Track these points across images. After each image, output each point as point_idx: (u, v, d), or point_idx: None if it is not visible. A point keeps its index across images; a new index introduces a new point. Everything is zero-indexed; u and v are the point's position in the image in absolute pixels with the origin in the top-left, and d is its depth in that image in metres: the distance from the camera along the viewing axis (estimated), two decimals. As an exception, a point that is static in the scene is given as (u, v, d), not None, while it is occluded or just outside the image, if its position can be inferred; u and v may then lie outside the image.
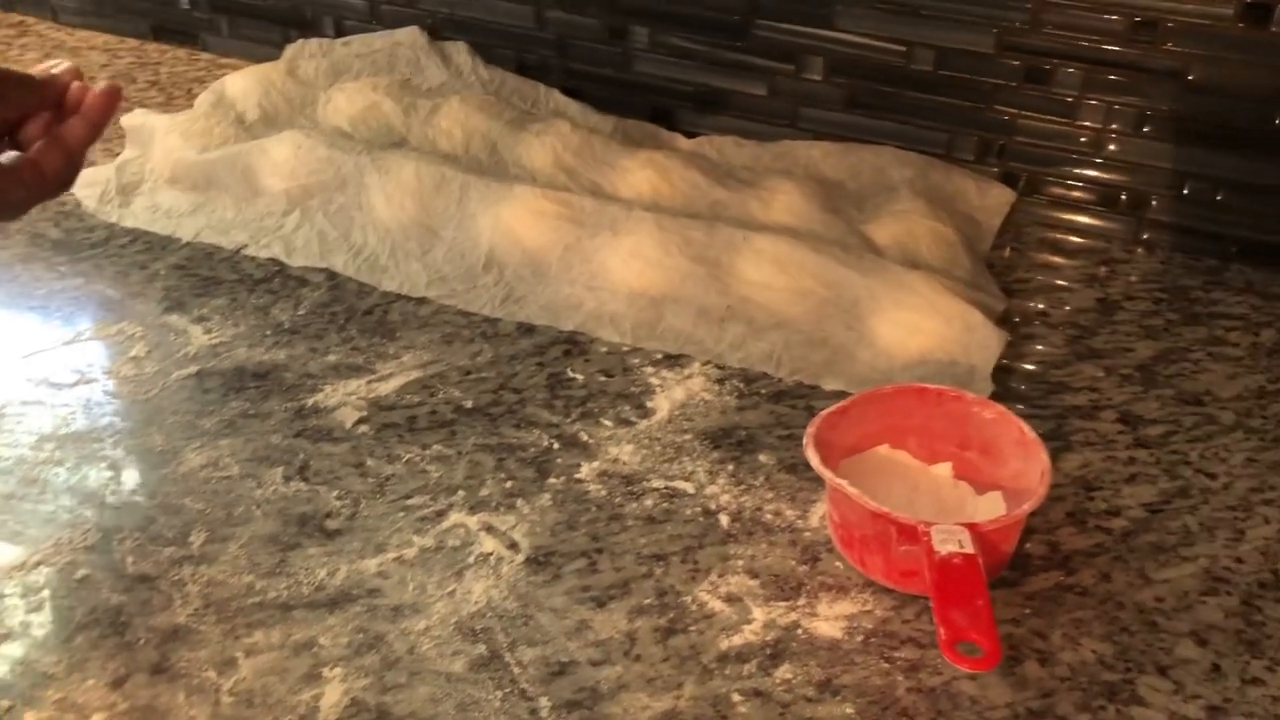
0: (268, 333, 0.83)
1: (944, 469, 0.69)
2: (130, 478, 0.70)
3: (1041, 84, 0.92)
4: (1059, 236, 0.96)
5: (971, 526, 0.59)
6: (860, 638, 0.60)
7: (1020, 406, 0.76)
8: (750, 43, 1.01)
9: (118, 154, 1.04)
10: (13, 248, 0.92)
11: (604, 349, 0.82)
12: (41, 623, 0.60)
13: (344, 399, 0.77)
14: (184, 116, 1.04)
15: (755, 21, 0.99)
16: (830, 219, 0.90)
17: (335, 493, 0.69)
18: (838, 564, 0.65)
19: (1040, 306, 0.87)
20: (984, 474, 0.68)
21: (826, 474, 0.61)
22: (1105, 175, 0.94)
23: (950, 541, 0.58)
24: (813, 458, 0.62)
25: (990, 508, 0.66)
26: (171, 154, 1.00)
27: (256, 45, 1.22)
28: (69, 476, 0.70)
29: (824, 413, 0.66)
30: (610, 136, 1.02)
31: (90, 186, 0.98)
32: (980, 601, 0.55)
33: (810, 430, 0.64)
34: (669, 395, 0.78)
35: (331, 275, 0.89)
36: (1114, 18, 0.87)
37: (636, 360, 0.81)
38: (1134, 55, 0.88)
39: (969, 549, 0.57)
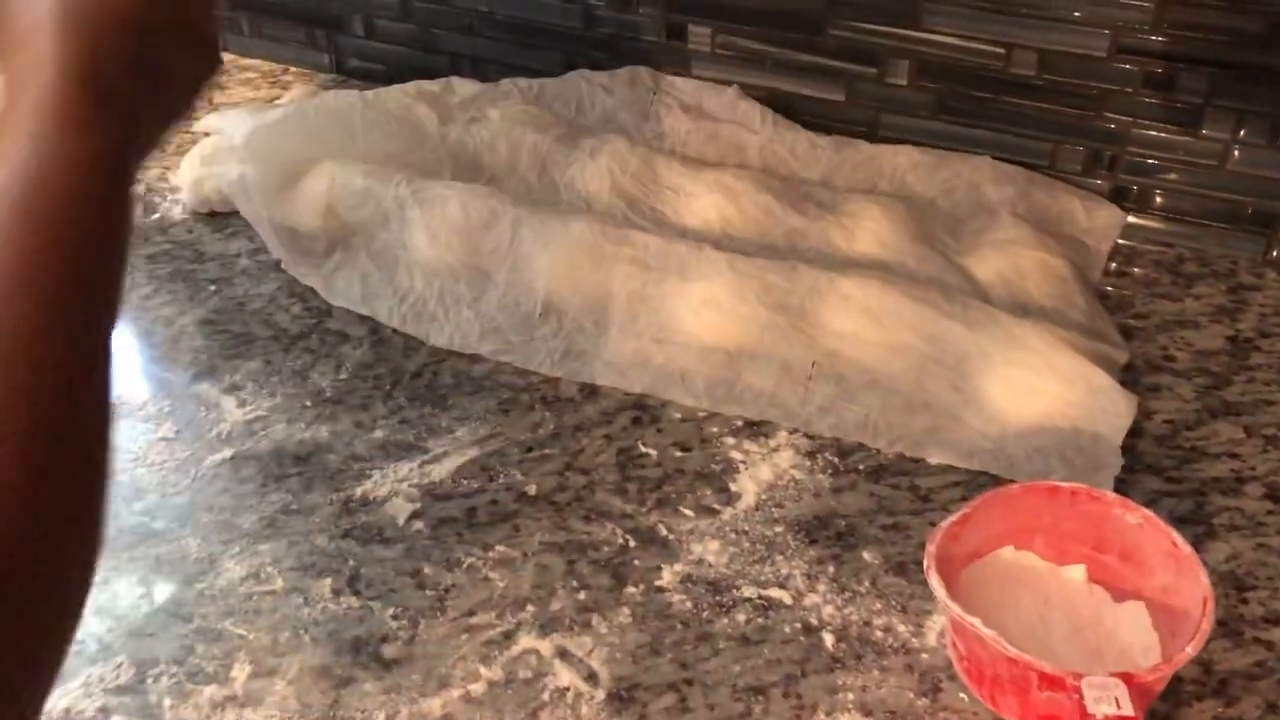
0: (307, 403, 0.75)
1: (1077, 572, 0.61)
2: (163, 594, 0.63)
3: (1162, 90, 0.82)
4: (1178, 259, 0.86)
5: (1127, 678, 0.51)
6: (994, 793, 0.53)
7: (1154, 480, 0.68)
8: (827, 43, 0.90)
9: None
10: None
11: (677, 414, 0.74)
12: (73, 786, 0.54)
13: (395, 487, 0.69)
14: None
15: (832, 20, 0.89)
16: (924, 251, 0.81)
17: (391, 610, 0.62)
18: (962, 695, 0.57)
19: (1164, 349, 0.78)
20: (1124, 581, 0.59)
21: (954, 609, 0.53)
22: (1230, 189, 0.84)
23: (1105, 700, 0.50)
24: (938, 588, 0.54)
25: (1131, 620, 0.58)
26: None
27: (279, 45, 1.13)
28: (97, 593, 0.63)
29: (944, 525, 0.57)
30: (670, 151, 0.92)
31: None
32: (1149, 784, 0.47)
33: (930, 549, 0.56)
34: (755, 475, 0.69)
35: (374, 328, 0.81)
36: (1249, 18, 0.76)
37: (715, 428, 0.73)
38: (1271, 59, 0.77)
39: (1128, 710, 0.49)
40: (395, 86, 0.98)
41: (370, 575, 0.64)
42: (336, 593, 0.63)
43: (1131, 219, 0.87)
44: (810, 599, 0.62)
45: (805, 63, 0.92)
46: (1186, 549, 0.56)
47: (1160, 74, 0.81)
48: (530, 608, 0.62)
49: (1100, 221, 0.85)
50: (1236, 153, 0.82)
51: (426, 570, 0.64)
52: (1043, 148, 0.88)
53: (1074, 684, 0.50)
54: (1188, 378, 0.75)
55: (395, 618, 0.61)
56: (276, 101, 1.07)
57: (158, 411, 0.75)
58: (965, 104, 0.88)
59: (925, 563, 0.55)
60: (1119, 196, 0.87)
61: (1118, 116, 0.84)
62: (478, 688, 0.58)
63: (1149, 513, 0.58)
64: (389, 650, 0.60)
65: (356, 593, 0.63)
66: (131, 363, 0.79)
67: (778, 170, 0.92)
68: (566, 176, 0.90)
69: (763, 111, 0.94)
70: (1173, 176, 0.85)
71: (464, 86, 1.00)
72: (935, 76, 0.88)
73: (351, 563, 0.65)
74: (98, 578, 0.33)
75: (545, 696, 0.57)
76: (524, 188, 0.91)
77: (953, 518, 0.58)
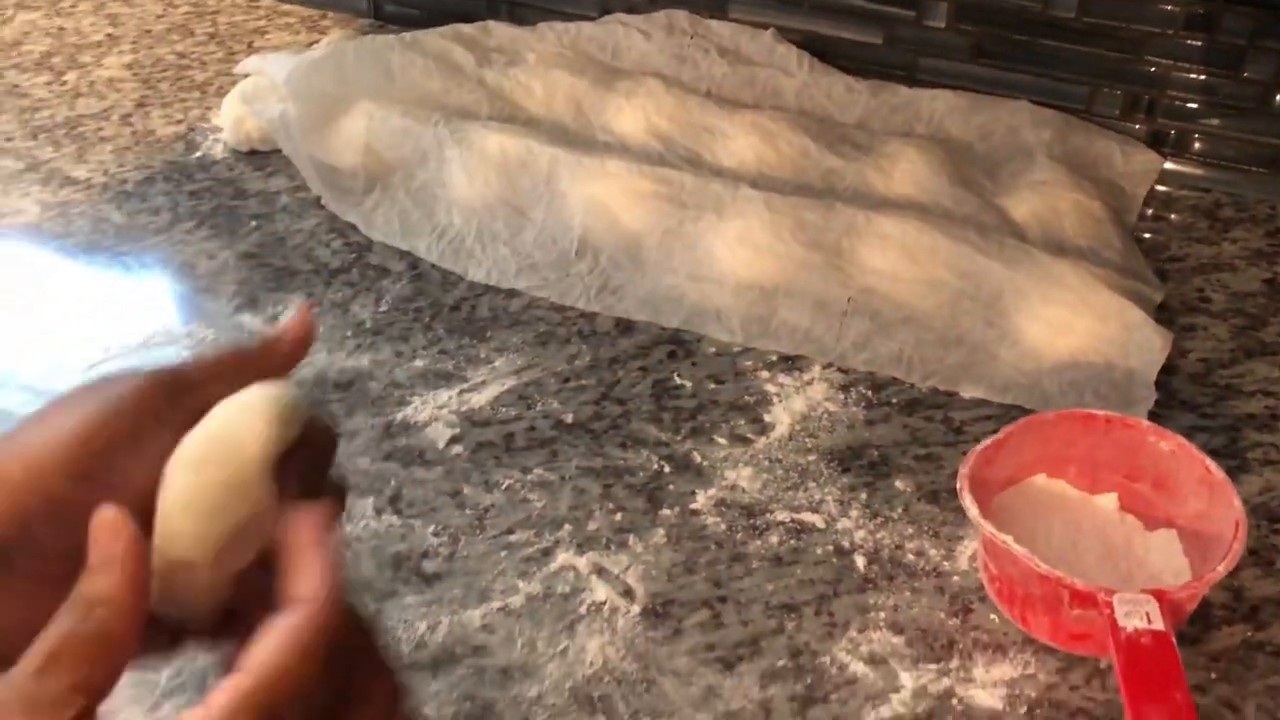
0: (348, 334, 0.76)
1: (1109, 500, 0.61)
2: (211, 510, 0.65)
3: (1204, 30, 0.81)
4: (1215, 204, 0.85)
5: (1159, 594, 0.51)
6: (1024, 708, 0.54)
7: (1188, 416, 0.68)
8: (864, -14, 0.90)
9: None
10: (75, 235, 0.86)
11: (712, 349, 0.75)
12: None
13: (435, 413, 0.70)
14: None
15: (870, -38, 0.89)
16: (960, 192, 0.81)
17: (431, 527, 0.63)
18: (992, 616, 0.58)
19: (1199, 291, 0.78)
20: (1156, 509, 0.60)
21: (987, 527, 0.54)
22: (1271, 133, 0.83)
23: (1136, 615, 0.50)
24: (970, 508, 0.55)
25: (1163, 548, 0.59)
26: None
27: (319, -9, 1.14)
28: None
29: (978, 449, 0.58)
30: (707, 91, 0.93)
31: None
32: (1179, 695, 0.48)
33: (963, 471, 0.57)
34: (788, 406, 0.70)
35: (414, 264, 0.82)
36: (1296, -44, 0.76)
37: (749, 362, 0.74)
38: (1317, -1, 0.77)
39: (1159, 625, 0.50)
40: (433, 29, 0.99)
41: (411, 495, 0.65)
42: (379, 511, 0.64)
43: (1169, 164, 0.87)
44: (843, 523, 0.63)
45: (843, 5, 0.92)
46: (1220, 475, 0.57)
47: (1202, 15, 0.81)
48: (567, 527, 0.63)
49: (1137, 166, 0.85)
50: (1278, 96, 0.82)
51: (466, 491, 0.65)
52: (1081, 91, 0.87)
53: (1105, 599, 0.51)
54: (1223, 318, 0.76)
55: (436, 535, 0.63)
56: (314, 46, 1.08)
57: (201, 340, 0.76)
58: (1004, 47, 0.88)
59: (959, 484, 0.56)
60: (1156, 141, 0.87)
61: (1158, 60, 0.84)
62: (516, 600, 0.59)
63: (1182, 440, 0.58)
64: (430, 565, 0.61)
65: (398, 511, 0.64)
66: (174, 293, 0.81)
67: (814, 114, 0.92)
68: (602, 119, 0.91)
69: (799, 55, 0.94)
70: (1212, 121, 0.84)
71: (501, 30, 1.01)
72: (974, 19, 0.88)
73: (393, 483, 0.66)
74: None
75: (582, 610, 0.59)
76: (560, 130, 0.91)
77: (986, 443, 0.58)
